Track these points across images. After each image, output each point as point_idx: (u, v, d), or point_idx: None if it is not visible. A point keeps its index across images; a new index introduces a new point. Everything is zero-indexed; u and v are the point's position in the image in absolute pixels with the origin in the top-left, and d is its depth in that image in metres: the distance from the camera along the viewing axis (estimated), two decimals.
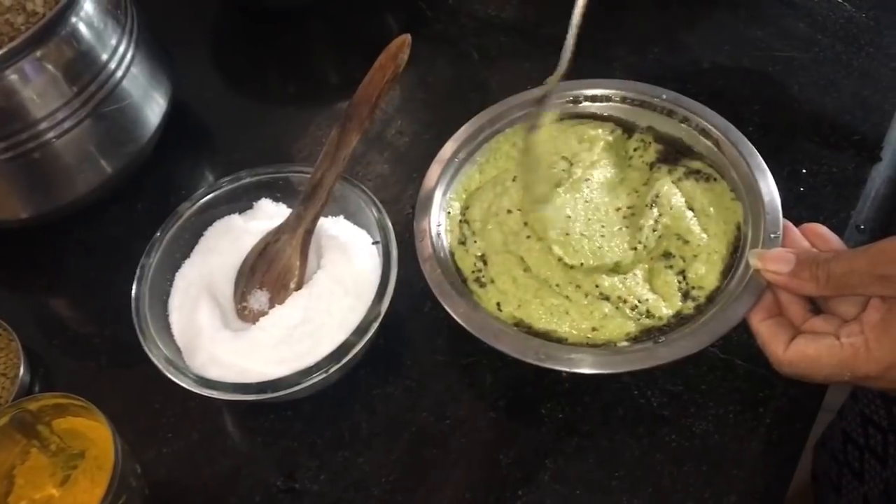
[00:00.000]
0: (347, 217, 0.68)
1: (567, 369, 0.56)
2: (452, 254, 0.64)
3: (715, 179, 0.65)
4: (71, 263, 0.77)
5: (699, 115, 0.66)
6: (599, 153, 0.68)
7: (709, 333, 0.55)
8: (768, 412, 0.61)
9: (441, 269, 0.61)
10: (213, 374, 0.59)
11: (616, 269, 0.61)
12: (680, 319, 0.58)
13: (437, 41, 0.88)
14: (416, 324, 0.68)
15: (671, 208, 0.63)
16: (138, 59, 0.74)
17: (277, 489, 0.62)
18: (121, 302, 0.63)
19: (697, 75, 0.81)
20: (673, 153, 0.67)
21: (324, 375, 0.58)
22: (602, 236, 0.62)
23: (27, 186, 0.71)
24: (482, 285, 0.62)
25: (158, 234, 0.66)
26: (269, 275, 0.64)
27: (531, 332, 0.59)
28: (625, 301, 0.60)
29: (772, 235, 0.58)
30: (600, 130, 0.69)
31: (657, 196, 0.64)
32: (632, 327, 0.59)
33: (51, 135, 0.68)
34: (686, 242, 0.62)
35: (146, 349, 0.60)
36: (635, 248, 0.62)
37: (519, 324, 0.60)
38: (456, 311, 0.58)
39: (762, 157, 0.62)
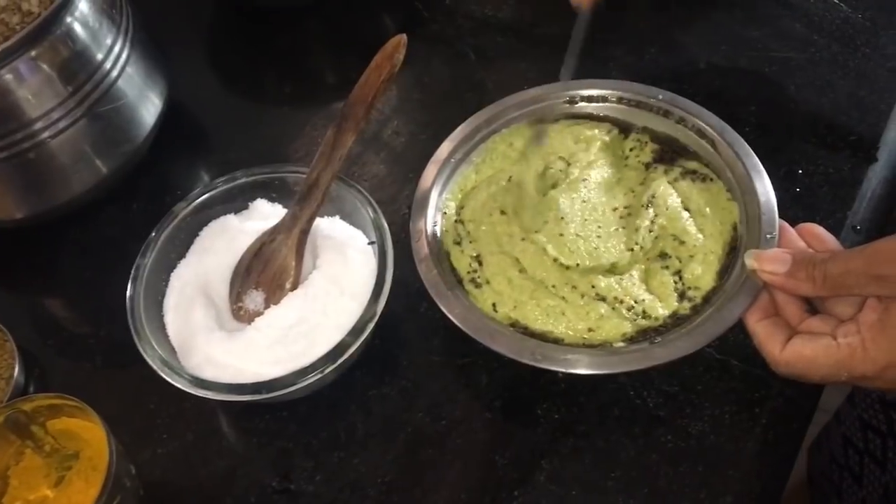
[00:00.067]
0: (343, 217, 0.68)
1: (563, 370, 0.56)
2: (448, 254, 0.64)
3: (711, 180, 0.65)
4: (66, 263, 0.77)
5: (695, 115, 0.66)
6: (596, 153, 0.68)
7: (705, 334, 0.55)
8: (764, 412, 0.61)
9: (437, 270, 0.61)
10: (209, 374, 0.59)
11: (612, 269, 0.61)
12: (676, 320, 0.58)
13: (434, 41, 0.88)
14: (411, 324, 0.68)
15: (667, 209, 0.63)
16: (133, 59, 0.74)
17: (273, 490, 0.62)
18: (116, 302, 0.63)
19: (694, 76, 0.81)
20: (669, 153, 0.67)
21: (319, 376, 0.58)
22: (598, 237, 0.62)
23: (22, 186, 0.71)
24: (478, 286, 0.62)
25: (154, 234, 0.66)
26: (264, 275, 0.64)
27: (527, 332, 0.59)
28: (621, 302, 0.59)
29: (768, 236, 0.58)
30: (597, 131, 0.69)
31: (653, 196, 0.64)
32: (628, 328, 0.58)
33: (46, 134, 0.68)
34: (682, 243, 0.62)
35: (141, 349, 0.60)
36: (632, 249, 0.62)
37: (515, 325, 0.59)
38: (452, 312, 0.58)
39: (759, 157, 0.62)
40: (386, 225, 0.64)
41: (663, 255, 0.61)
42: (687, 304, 0.59)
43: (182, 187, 0.79)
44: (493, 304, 0.60)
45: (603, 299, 0.60)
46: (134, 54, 0.74)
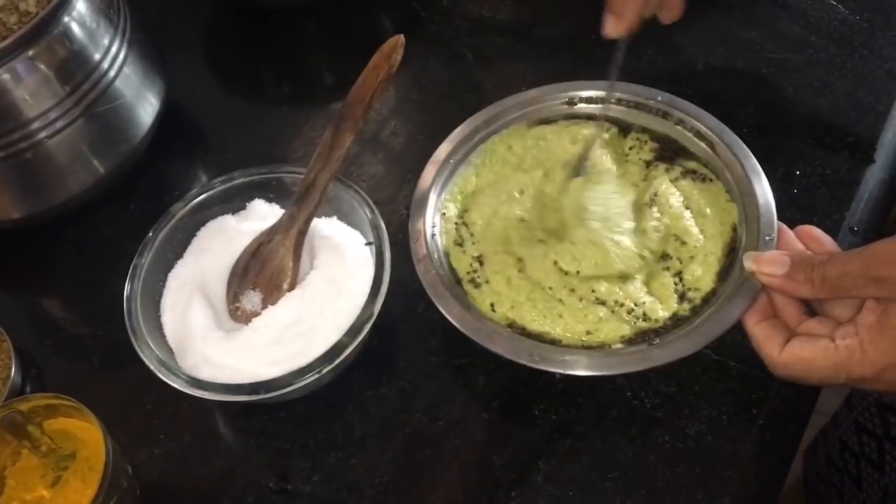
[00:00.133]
0: (341, 218, 0.68)
1: (561, 371, 0.56)
2: (448, 255, 0.64)
3: (711, 180, 0.65)
4: (64, 264, 0.77)
5: (694, 117, 0.66)
6: (597, 148, 0.67)
7: (703, 335, 0.55)
8: (761, 413, 0.61)
9: (435, 270, 0.61)
10: (206, 374, 0.59)
11: (621, 276, 0.61)
12: (676, 321, 0.58)
13: (432, 42, 0.88)
14: (409, 325, 0.68)
15: (670, 207, 0.63)
16: (131, 59, 0.74)
17: (270, 490, 0.62)
18: (113, 302, 0.63)
19: (691, 77, 0.81)
20: (670, 152, 0.67)
21: (316, 376, 0.58)
22: (613, 242, 0.62)
23: (19, 186, 0.71)
24: (477, 286, 0.62)
25: (151, 234, 0.66)
26: (261, 275, 0.64)
27: (525, 333, 0.59)
28: (621, 305, 0.59)
29: (766, 238, 0.58)
30: (594, 129, 0.69)
31: (655, 194, 0.64)
32: (626, 330, 0.58)
33: (43, 135, 0.68)
34: (683, 243, 0.62)
35: (138, 349, 0.60)
36: (643, 257, 0.61)
37: (512, 325, 0.59)
38: (450, 312, 0.58)
39: (756, 158, 0.62)
40: (384, 225, 0.64)
41: (665, 256, 0.61)
42: (687, 306, 0.59)
43: (180, 187, 0.79)
44: (492, 304, 0.60)
45: (602, 303, 0.60)
46: (131, 54, 0.74)
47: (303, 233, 0.64)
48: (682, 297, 0.59)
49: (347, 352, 0.59)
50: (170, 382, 0.58)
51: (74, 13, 0.68)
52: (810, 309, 0.55)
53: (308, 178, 0.65)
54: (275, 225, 0.66)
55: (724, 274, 0.60)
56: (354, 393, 0.65)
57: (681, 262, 0.61)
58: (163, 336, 0.63)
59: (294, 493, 0.61)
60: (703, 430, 0.60)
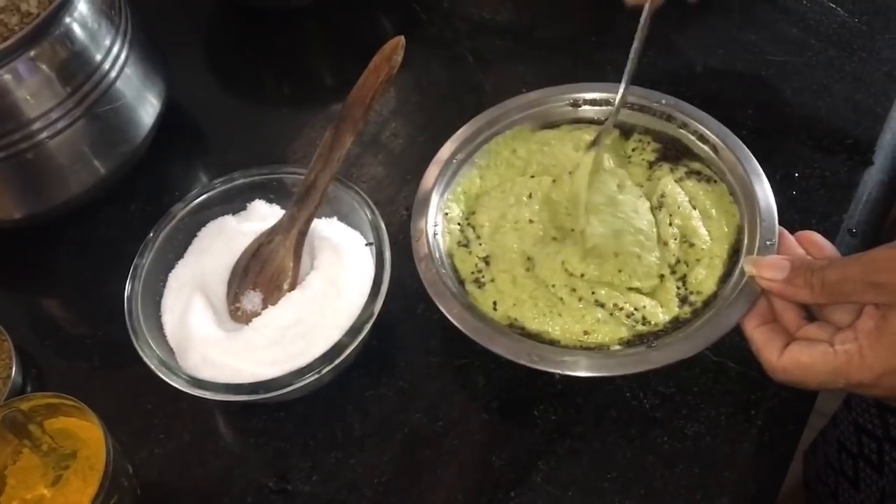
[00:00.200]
0: (341, 218, 0.68)
1: (560, 371, 0.56)
2: (451, 255, 0.64)
3: (715, 181, 0.65)
4: (64, 264, 0.77)
5: (697, 120, 0.66)
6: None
7: (702, 338, 0.56)
8: (760, 414, 0.61)
9: (436, 270, 0.61)
10: (206, 374, 0.59)
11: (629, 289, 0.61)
12: (676, 324, 0.58)
13: (432, 44, 0.89)
14: (409, 325, 0.68)
15: (678, 207, 0.63)
16: (132, 60, 0.74)
17: (270, 490, 0.62)
18: (114, 302, 0.63)
19: (691, 79, 0.81)
20: (673, 152, 0.67)
21: (316, 376, 0.58)
22: (636, 256, 0.61)
23: (20, 186, 0.71)
24: (480, 286, 0.62)
25: (152, 234, 0.66)
26: (262, 276, 0.64)
27: (524, 332, 0.59)
28: (620, 308, 0.59)
29: (767, 242, 0.58)
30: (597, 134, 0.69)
31: (663, 196, 0.64)
32: (625, 332, 0.59)
33: (44, 135, 0.68)
34: (692, 245, 0.62)
35: (138, 349, 0.60)
36: (661, 277, 0.61)
37: (513, 324, 0.60)
38: (450, 312, 0.59)
39: (755, 160, 0.63)
40: (383, 226, 0.64)
41: (675, 262, 0.61)
42: (688, 309, 0.59)
43: (180, 188, 0.80)
44: (494, 303, 0.61)
45: (602, 305, 0.60)
46: (132, 55, 0.74)
47: (303, 233, 0.65)
48: (683, 301, 0.60)
49: (347, 352, 0.59)
50: (170, 382, 0.58)
51: (76, 14, 0.69)
52: (810, 314, 0.55)
53: (308, 179, 0.65)
54: (275, 225, 0.66)
55: (725, 277, 0.60)
56: (354, 393, 0.65)
57: (687, 266, 0.61)
58: (163, 336, 0.63)
59: (294, 493, 0.61)
60: (702, 431, 0.61)
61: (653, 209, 0.64)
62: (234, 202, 0.69)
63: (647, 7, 0.64)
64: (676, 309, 0.59)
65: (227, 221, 0.69)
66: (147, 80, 0.76)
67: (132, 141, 0.75)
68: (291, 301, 0.62)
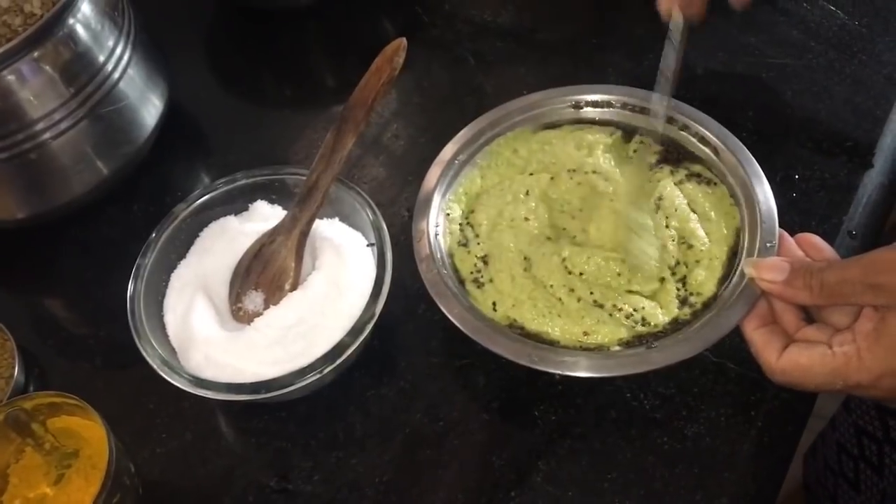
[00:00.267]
0: (343, 219, 0.68)
1: (560, 372, 0.56)
2: (452, 255, 0.64)
3: (715, 184, 0.65)
4: (67, 264, 0.77)
5: (698, 122, 0.66)
6: (600, 154, 0.68)
7: (702, 339, 0.56)
8: (760, 415, 0.61)
9: (437, 270, 0.61)
10: (208, 374, 0.59)
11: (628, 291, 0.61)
12: (675, 325, 0.59)
13: (434, 46, 0.89)
14: (410, 326, 0.68)
15: (675, 210, 0.63)
16: (135, 61, 0.75)
17: (271, 490, 0.62)
18: (116, 303, 0.63)
19: (691, 81, 0.81)
20: (675, 154, 0.67)
21: (318, 376, 0.58)
22: (640, 258, 0.62)
23: (23, 187, 0.72)
24: (480, 286, 0.62)
25: (154, 234, 0.66)
26: (264, 276, 0.65)
27: (524, 332, 0.59)
28: (620, 309, 0.60)
29: (768, 244, 0.58)
30: (599, 135, 0.69)
31: (660, 198, 0.64)
32: (624, 333, 0.59)
33: (47, 135, 0.69)
34: (690, 247, 0.62)
35: (141, 349, 0.60)
36: (663, 279, 0.61)
37: (512, 324, 0.60)
38: (451, 312, 0.59)
39: (756, 162, 0.63)
40: (385, 227, 0.64)
41: (675, 263, 0.62)
42: (688, 310, 0.59)
43: (182, 188, 0.80)
44: (494, 303, 0.61)
45: (601, 306, 0.60)
46: (135, 56, 0.75)
47: (305, 234, 0.65)
48: (683, 302, 0.60)
49: (349, 352, 0.59)
50: (173, 382, 0.59)
51: (79, 15, 0.69)
52: (809, 316, 0.55)
53: (310, 180, 0.65)
54: (277, 226, 0.66)
55: (725, 279, 0.60)
56: (355, 393, 0.65)
57: (686, 267, 0.61)
58: (165, 336, 0.63)
59: (295, 493, 0.62)
60: (702, 432, 0.61)
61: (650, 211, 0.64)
62: (236, 203, 0.70)
63: (676, 26, 0.63)
64: (676, 310, 0.59)
65: (230, 222, 0.69)
66: (150, 81, 0.77)
67: (135, 141, 0.75)
68: (293, 301, 0.62)
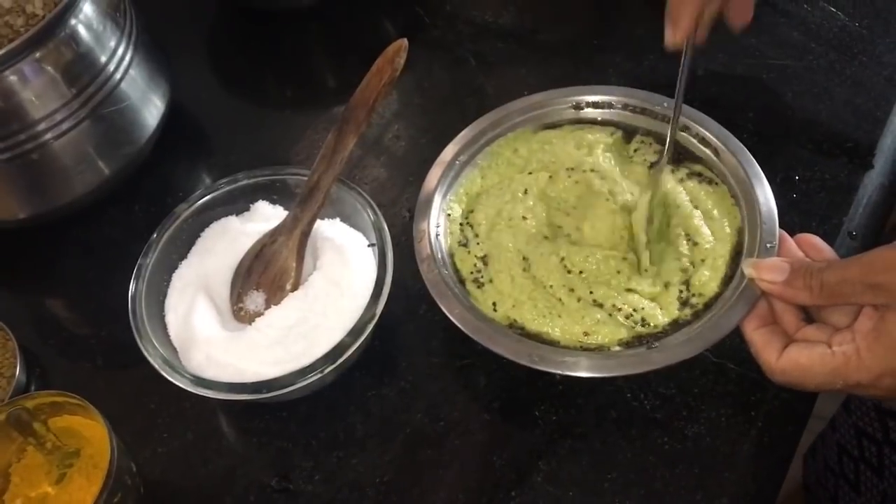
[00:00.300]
0: (344, 220, 0.68)
1: (561, 372, 0.56)
2: (452, 255, 0.64)
3: (717, 183, 0.65)
4: (68, 264, 0.77)
5: (699, 123, 0.66)
6: (600, 153, 0.68)
7: (702, 340, 0.56)
8: (760, 415, 0.61)
9: (438, 270, 0.61)
10: (209, 373, 0.59)
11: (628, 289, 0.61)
12: (676, 326, 0.59)
13: (435, 47, 0.89)
14: (411, 326, 0.68)
15: (678, 207, 0.63)
16: (137, 62, 0.75)
17: (272, 489, 0.62)
18: (117, 302, 0.63)
19: (692, 82, 0.81)
20: (675, 154, 0.67)
21: (319, 376, 0.58)
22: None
23: (25, 187, 0.72)
24: (480, 286, 0.62)
25: (155, 235, 0.66)
26: (265, 276, 0.65)
27: (524, 333, 0.59)
28: (619, 309, 0.60)
29: (768, 245, 0.58)
30: (599, 134, 0.69)
31: (664, 195, 0.64)
32: (624, 333, 0.59)
33: (49, 136, 0.69)
34: (696, 244, 0.62)
35: (142, 348, 0.60)
36: (667, 284, 0.61)
37: (513, 324, 0.60)
38: (451, 312, 0.59)
39: (757, 163, 0.63)
40: (386, 227, 0.64)
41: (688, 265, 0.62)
42: (688, 311, 0.59)
43: (184, 189, 0.80)
44: (494, 303, 0.61)
45: (600, 306, 0.60)
46: (137, 57, 0.75)
47: (306, 234, 0.65)
48: (684, 304, 0.60)
49: (349, 352, 0.59)
50: (174, 381, 0.59)
51: (81, 16, 0.69)
52: (808, 316, 0.55)
53: (311, 180, 0.65)
54: (278, 226, 0.66)
55: (727, 279, 0.60)
56: (356, 393, 0.65)
57: (693, 266, 0.61)
58: (167, 336, 0.63)
59: (296, 493, 0.62)
60: (702, 432, 0.61)
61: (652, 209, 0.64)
62: (237, 203, 0.70)
63: (687, 52, 0.64)
64: (676, 311, 0.59)
65: (231, 222, 0.69)
66: (151, 81, 0.77)
67: (136, 142, 0.75)
68: (294, 301, 0.62)
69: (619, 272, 0.61)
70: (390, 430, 0.64)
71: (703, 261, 0.61)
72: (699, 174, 0.66)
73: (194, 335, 0.62)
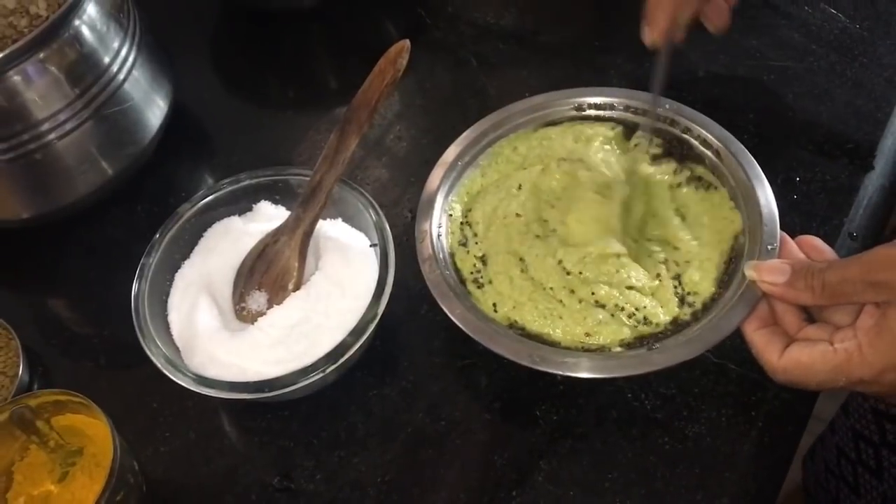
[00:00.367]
0: (346, 220, 0.69)
1: (562, 373, 0.56)
2: (452, 255, 0.64)
3: (715, 188, 0.65)
4: (71, 264, 0.77)
5: (700, 125, 0.67)
6: (598, 145, 0.68)
7: (703, 341, 0.56)
8: (760, 416, 0.61)
9: (440, 271, 0.61)
10: (212, 373, 0.60)
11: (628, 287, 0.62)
12: (676, 326, 0.59)
13: (437, 48, 0.89)
14: (412, 326, 0.68)
15: (654, 216, 0.64)
16: (140, 62, 0.75)
17: (274, 489, 0.62)
18: (120, 302, 0.63)
19: (693, 84, 0.81)
20: (678, 151, 0.67)
21: (320, 375, 0.58)
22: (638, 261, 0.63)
23: (28, 187, 0.72)
24: (480, 286, 0.62)
25: (158, 234, 0.66)
26: (267, 276, 0.65)
27: (525, 334, 0.59)
28: (622, 309, 0.60)
29: (769, 247, 0.58)
30: (599, 128, 0.69)
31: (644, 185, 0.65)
32: (626, 333, 0.59)
33: (52, 136, 0.69)
34: (676, 248, 0.62)
35: (145, 348, 0.61)
36: (658, 276, 0.61)
37: (513, 325, 0.60)
38: (453, 312, 0.59)
39: (758, 164, 0.63)
40: (388, 227, 0.65)
41: (665, 261, 0.62)
42: (687, 310, 0.60)
43: (186, 189, 0.80)
44: (494, 304, 0.61)
45: (602, 306, 0.60)
46: (140, 57, 0.75)
47: (308, 234, 0.65)
48: (682, 301, 0.60)
49: (351, 352, 0.59)
50: (177, 380, 0.59)
51: (84, 17, 0.69)
52: (809, 316, 0.55)
53: (314, 181, 0.65)
54: (280, 226, 0.66)
55: (724, 281, 0.60)
56: (358, 393, 0.66)
57: (677, 265, 0.62)
58: (169, 335, 0.64)
59: (297, 492, 0.62)
60: (703, 432, 0.61)
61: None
62: (240, 203, 0.70)
63: (662, 57, 0.66)
64: (676, 309, 0.60)
65: (233, 222, 0.69)
66: (154, 82, 0.77)
67: (139, 142, 0.75)
68: (296, 301, 0.62)
69: (617, 271, 0.61)
70: (392, 429, 0.64)
71: (688, 262, 0.61)
72: (699, 178, 0.66)
73: (197, 334, 0.62)
